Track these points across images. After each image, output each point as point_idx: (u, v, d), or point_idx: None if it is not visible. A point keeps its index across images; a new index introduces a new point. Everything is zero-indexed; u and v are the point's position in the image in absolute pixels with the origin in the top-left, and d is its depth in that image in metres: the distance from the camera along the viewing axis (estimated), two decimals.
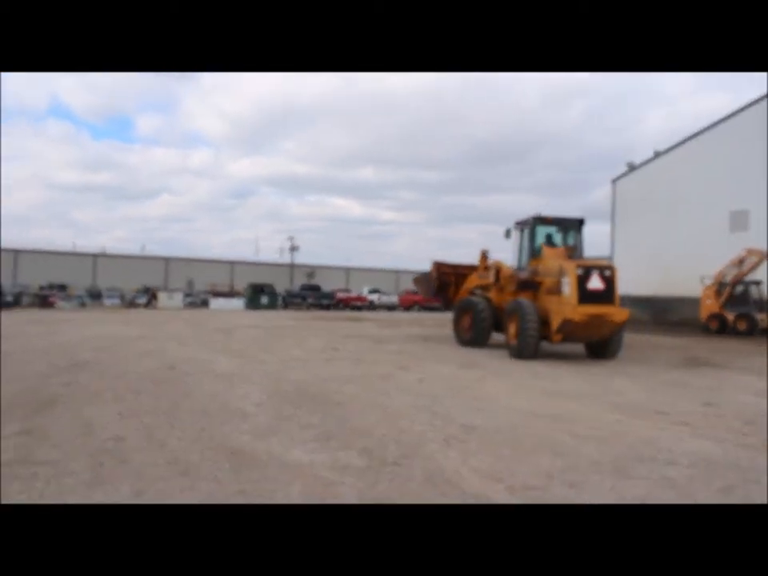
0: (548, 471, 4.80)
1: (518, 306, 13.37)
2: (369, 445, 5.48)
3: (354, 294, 53.43)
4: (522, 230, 15.12)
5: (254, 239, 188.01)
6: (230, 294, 54.60)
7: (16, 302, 40.08)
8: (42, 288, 49.73)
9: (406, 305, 48.77)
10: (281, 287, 55.61)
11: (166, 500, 3.97)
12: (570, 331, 12.72)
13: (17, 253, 63.63)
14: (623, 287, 31.07)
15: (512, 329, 13.54)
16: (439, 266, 18.10)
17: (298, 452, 5.21)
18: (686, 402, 8.13)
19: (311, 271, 70.93)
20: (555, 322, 12.68)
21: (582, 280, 12.53)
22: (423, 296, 20.85)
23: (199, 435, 5.74)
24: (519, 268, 15.09)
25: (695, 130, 28.80)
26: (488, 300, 15.52)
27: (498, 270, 15.57)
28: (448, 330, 17.89)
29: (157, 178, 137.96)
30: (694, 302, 27.06)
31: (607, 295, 12.69)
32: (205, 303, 48.23)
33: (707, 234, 26.86)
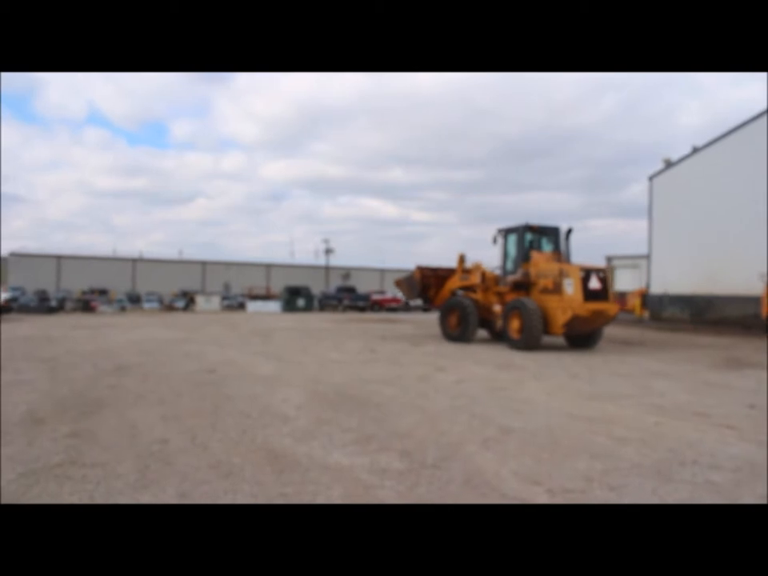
0: (587, 474, 4.78)
1: (520, 305, 15.07)
2: (408, 447, 5.53)
3: (389, 296, 53.46)
4: (506, 237, 17.12)
5: (288, 241, 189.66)
6: (267, 296, 55.16)
7: (60, 307, 41.15)
8: (84, 293, 51.05)
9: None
10: (316, 289, 56.08)
11: (211, 502, 4.08)
12: (575, 325, 14.66)
13: (60, 259, 65.44)
14: (662, 286, 30.63)
15: (515, 324, 15.29)
16: (422, 270, 19.67)
17: (338, 454, 5.28)
18: (728, 403, 7.98)
19: (346, 273, 71.38)
20: (563, 317, 14.58)
21: (584, 281, 14.59)
22: (406, 298, 22.53)
23: (241, 438, 5.86)
24: (505, 271, 17.04)
25: (733, 122, 28.20)
26: (473, 300, 17.27)
27: (483, 273, 17.52)
28: (483, 332, 17.83)
29: (192, 183, 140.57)
30: (735, 300, 26.44)
31: (603, 293, 14.94)
32: (242, 306, 48.87)
33: (748, 230, 26.18)
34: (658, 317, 31.12)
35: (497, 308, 16.77)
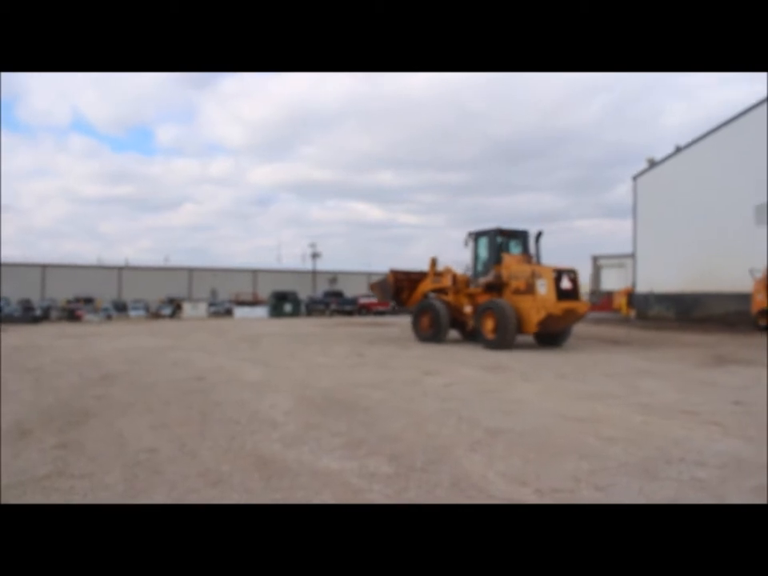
0: (575, 474, 4.81)
1: (495, 305, 15.83)
2: (397, 451, 5.53)
3: (376, 300, 53.41)
4: (477, 240, 17.84)
5: (276, 246, 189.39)
6: (254, 302, 54.97)
7: (45, 317, 40.77)
8: (69, 302, 50.59)
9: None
10: (303, 294, 55.94)
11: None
12: (548, 323, 15.35)
13: (44, 267, 64.90)
14: (648, 284, 30.89)
15: (489, 325, 15.97)
16: (395, 274, 20.39)
17: (327, 459, 5.28)
18: (714, 401, 8.06)
19: (333, 277, 71.24)
20: (537, 317, 15.24)
21: (556, 281, 15.32)
22: (380, 300, 24.49)
23: (230, 445, 5.84)
24: (476, 273, 17.74)
25: (717, 122, 28.48)
26: (445, 302, 17.95)
27: (454, 275, 18.29)
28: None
29: (179, 188, 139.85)
30: (721, 298, 26.72)
31: (574, 293, 15.77)
32: (229, 312, 48.67)
33: (731, 228, 26.48)
34: (645, 315, 31.39)
35: (468, 309, 17.43)
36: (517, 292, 16.05)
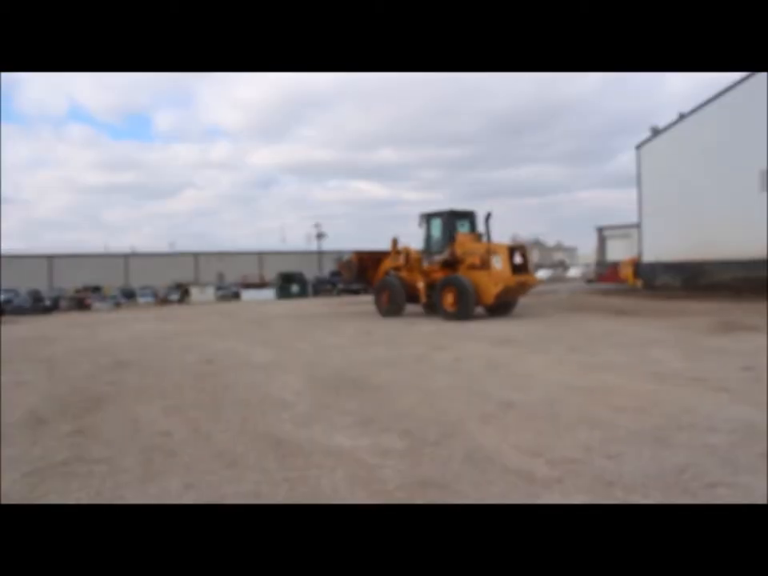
0: (587, 444, 4.85)
1: (455, 280, 17.16)
2: (409, 427, 5.58)
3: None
4: (429, 221, 19.16)
5: (280, 228, 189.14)
6: (261, 284, 55.00)
7: (54, 306, 40.94)
8: (77, 291, 50.76)
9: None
10: (310, 274, 55.90)
11: (217, 492, 4.12)
12: (504, 294, 16.91)
13: (51, 258, 65.08)
14: (653, 254, 30.71)
15: (449, 299, 17.26)
16: (359, 254, 22.00)
17: (340, 438, 5.33)
18: (723, 367, 8.07)
19: (339, 257, 71.13)
20: (495, 289, 16.67)
21: (510, 257, 16.77)
22: (346, 279, 25.60)
23: (243, 427, 5.90)
24: (429, 251, 19.00)
25: (721, 87, 28.09)
26: (400, 278, 19.39)
27: (408, 253, 19.53)
28: (480, 307, 17.90)
29: (180, 174, 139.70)
30: (727, 265, 26.56)
31: (525, 267, 17.30)
32: (236, 295, 48.74)
33: (737, 195, 26.20)
34: (651, 285, 31.25)
35: (420, 285, 18.82)
36: (472, 267, 17.38)
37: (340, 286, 48.79)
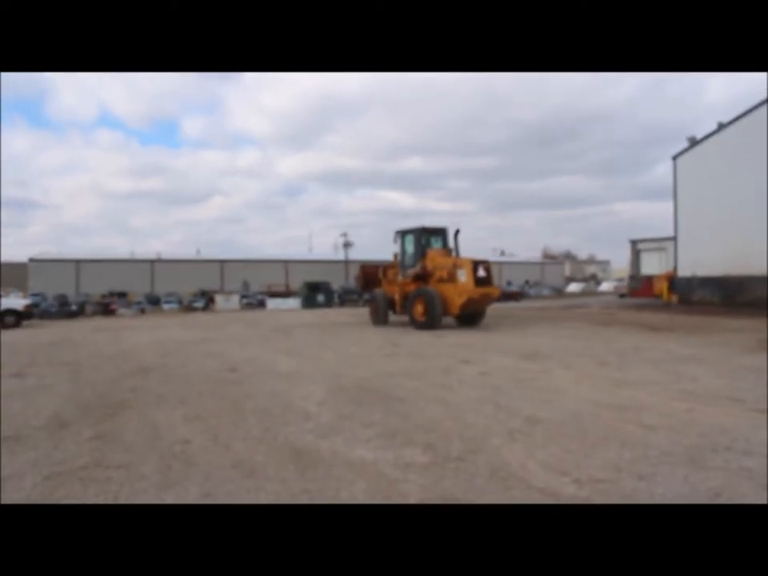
0: (616, 463, 4.66)
1: (424, 292, 18.70)
2: (432, 440, 5.44)
3: None
4: (404, 237, 20.75)
5: (306, 236, 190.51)
6: (286, 293, 55.28)
7: (80, 311, 41.58)
8: (103, 296, 51.55)
9: None
10: (336, 284, 56.03)
11: (234, 501, 4.03)
12: (468, 305, 18.22)
13: (78, 263, 66.18)
14: (690, 268, 30.03)
15: (419, 309, 18.72)
16: (363, 268, 24.13)
17: (361, 450, 5.21)
18: (762, 387, 7.77)
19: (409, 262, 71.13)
20: (459, 300, 17.96)
21: (474, 271, 18.11)
22: (360, 290, 28.40)
23: (263, 436, 5.81)
24: (404, 265, 20.57)
25: (760, 97, 27.48)
26: (383, 291, 21.51)
27: (385, 268, 21.81)
28: (509, 321, 17.76)
29: (207, 181, 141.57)
30: (766, 281, 25.89)
31: (488, 280, 18.72)
32: (261, 304, 49.03)
33: None
34: (687, 300, 30.63)
35: (396, 296, 20.60)
36: (441, 281, 18.81)
37: (365, 296, 48.84)
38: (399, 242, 20.91)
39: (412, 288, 19.49)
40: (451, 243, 20.05)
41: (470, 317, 19.35)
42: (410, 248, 20.46)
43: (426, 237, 20.26)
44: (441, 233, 20.79)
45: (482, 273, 18.43)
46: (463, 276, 18.24)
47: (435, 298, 18.21)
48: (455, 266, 18.56)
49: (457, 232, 20.02)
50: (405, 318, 20.43)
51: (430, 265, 19.39)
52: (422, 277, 19.47)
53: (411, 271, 19.91)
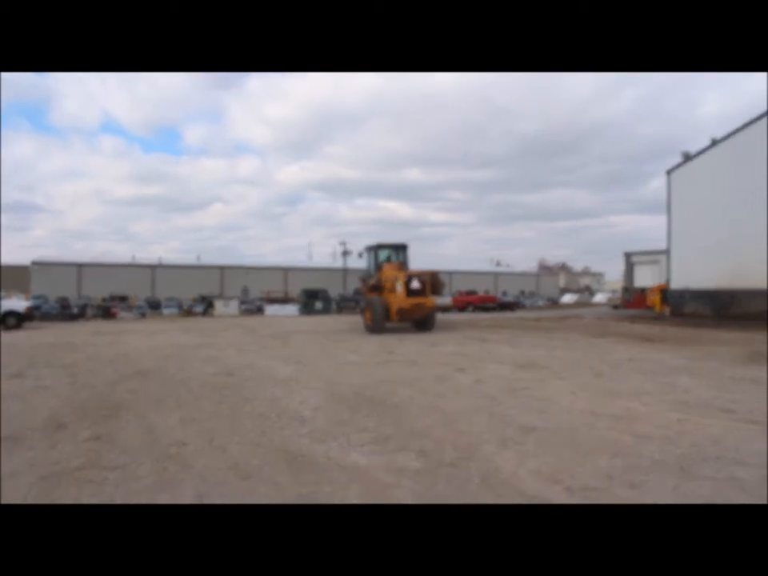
0: (608, 472, 4.71)
1: (370, 301, 21.75)
2: (426, 447, 5.49)
3: None
4: (369, 253, 23.87)
5: (306, 245, 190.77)
6: (285, 300, 55.27)
7: (81, 314, 41.56)
8: (104, 300, 51.53)
9: (460, 306, 48.30)
10: (334, 292, 56.03)
11: (228, 503, 4.08)
12: (402, 314, 20.81)
13: (80, 267, 66.22)
14: (683, 281, 30.15)
15: (368, 315, 21.82)
16: (364, 281, 25.49)
17: (355, 455, 5.27)
18: (753, 399, 7.83)
19: (364, 274, 71.23)
20: (394, 309, 20.66)
21: (408, 283, 20.63)
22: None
23: (259, 439, 5.86)
24: (365, 278, 24.07)
25: (755, 113, 27.69)
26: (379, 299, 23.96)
27: (363, 280, 24.57)
28: (505, 331, 17.78)
29: (208, 188, 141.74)
30: (759, 294, 26.00)
31: (423, 291, 20.96)
32: (260, 310, 48.99)
33: None
34: (679, 312, 30.71)
35: (362, 305, 23.40)
36: (389, 291, 21.36)
37: (362, 304, 48.83)
38: (365, 256, 24.18)
39: (370, 297, 22.42)
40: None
41: (419, 323, 21.98)
42: (371, 262, 23.68)
43: (390, 251, 23.47)
44: (402, 248, 23.84)
45: (415, 285, 20.75)
46: (399, 287, 20.68)
47: (377, 306, 21.00)
48: (395, 279, 21.14)
49: (405, 247, 23.75)
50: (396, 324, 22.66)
51: (383, 277, 22.11)
52: (377, 287, 22.13)
53: (369, 282, 23.08)
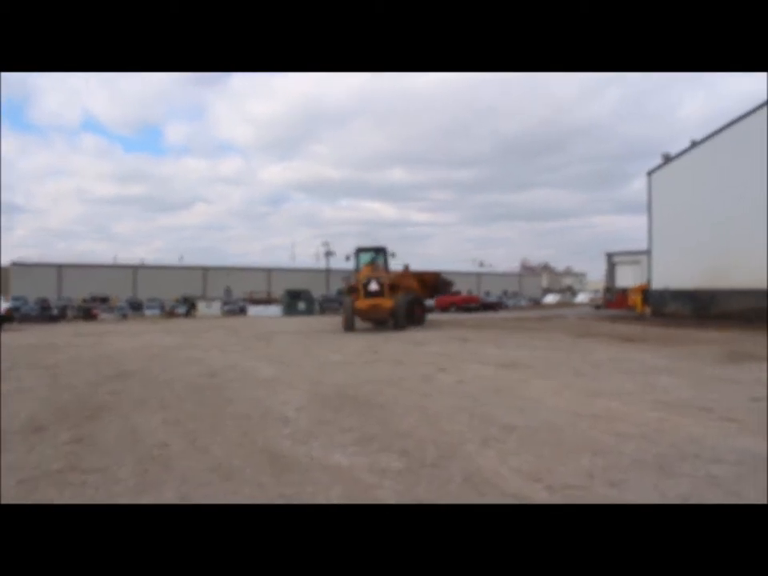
0: (589, 470, 4.76)
1: (343, 302, 23.44)
2: (408, 447, 5.51)
3: None
4: (354, 256, 25.06)
5: (289, 245, 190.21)
6: (268, 301, 55.11)
7: (62, 316, 41.16)
8: (85, 301, 51.03)
9: (443, 306, 48.43)
10: (317, 293, 55.93)
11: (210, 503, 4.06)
12: (361, 314, 22.60)
13: (60, 267, 65.50)
14: (663, 281, 30.51)
15: (343, 316, 22.98)
16: (347, 281, 27.78)
17: (338, 455, 5.27)
18: (731, 397, 7.94)
19: (347, 276, 71.25)
20: (357, 308, 22.23)
21: (365, 285, 22.35)
22: None
23: (241, 440, 5.85)
24: (348, 280, 26.80)
25: (734, 115, 28.08)
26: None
27: (346, 281, 27.32)
28: (488, 331, 17.86)
29: (190, 188, 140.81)
30: (738, 294, 26.37)
31: (381, 293, 22.45)
32: (243, 311, 48.85)
33: (748, 223, 26.07)
34: (660, 312, 31.04)
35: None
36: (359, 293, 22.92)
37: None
38: (352, 259, 25.31)
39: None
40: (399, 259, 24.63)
41: (380, 322, 23.71)
42: (353, 265, 25.27)
43: (368, 255, 24.74)
44: (381, 251, 25.01)
45: (373, 287, 22.29)
46: (361, 289, 22.50)
47: (348, 307, 22.62)
48: (360, 281, 22.84)
49: (384, 249, 24.76)
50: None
51: (359, 279, 23.39)
52: (354, 289, 23.61)
53: (347, 284, 25.13)
